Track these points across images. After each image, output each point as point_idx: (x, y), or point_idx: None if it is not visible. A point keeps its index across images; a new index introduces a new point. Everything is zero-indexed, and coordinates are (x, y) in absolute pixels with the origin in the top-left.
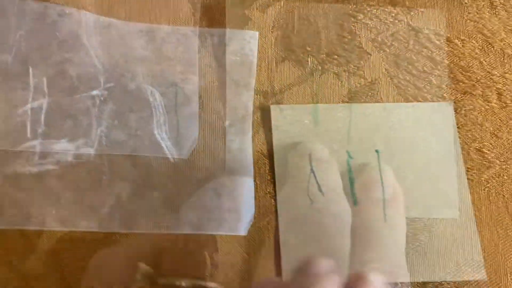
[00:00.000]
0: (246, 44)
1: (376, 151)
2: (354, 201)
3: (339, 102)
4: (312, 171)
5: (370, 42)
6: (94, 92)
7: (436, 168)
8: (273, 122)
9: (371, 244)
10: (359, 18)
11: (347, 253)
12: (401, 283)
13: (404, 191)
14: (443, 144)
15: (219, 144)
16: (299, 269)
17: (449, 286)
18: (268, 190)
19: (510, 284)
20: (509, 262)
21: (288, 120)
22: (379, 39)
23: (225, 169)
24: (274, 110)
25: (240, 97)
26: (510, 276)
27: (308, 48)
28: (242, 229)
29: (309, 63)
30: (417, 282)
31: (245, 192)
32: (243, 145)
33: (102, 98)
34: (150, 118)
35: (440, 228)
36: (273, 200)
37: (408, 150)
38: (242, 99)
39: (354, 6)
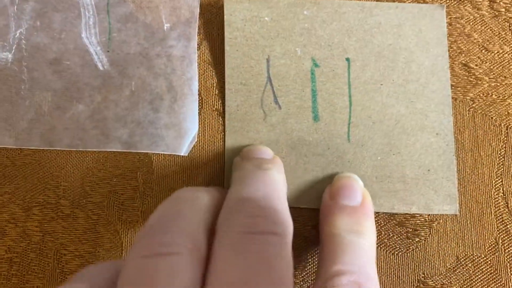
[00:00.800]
0: None
1: (347, 59)
2: (314, 116)
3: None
4: (268, 79)
5: None
6: None
7: (417, 86)
8: (226, 17)
9: (331, 167)
10: None
11: (301, 174)
12: None
13: (376, 108)
14: (430, 58)
15: (157, 50)
16: (242, 155)
17: (421, 219)
18: (215, 106)
19: (492, 220)
20: (492, 194)
21: (244, 15)
22: None
23: (164, 79)
24: (228, 2)
25: None
26: (493, 209)
27: None
28: (183, 149)
29: None
30: (384, 213)
31: (187, 107)
32: (187, 53)
33: None
34: (78, 19)
35: (414, 155)
36: (221, 118)
37: (385, 61)
38: None
39: None
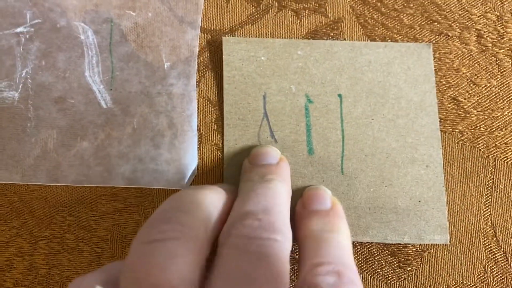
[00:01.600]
0: None
1: (339, 95)
2: (309, 149)
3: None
4: (265, 114)
5: None
6: (19, 29)
7: (407, 121)
8: (224, 57)
9: None
10: None
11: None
12: (358, 242)
13: (368, 142)
14: (419, 94)
15: (158, 88)
16: (249, 159)
17: (413, 249)
18: (214, 141)
19: (481, 249)
20: (480, 224)
21: (241, 55)
22: None
23: (165, 117)
24: (227, 43)
25: (184, 35)
26: (482, 238)
27: None
28: (183, 183)
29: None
30: (377, 243)
31: (187, 142)
32: (187, 90)
33: (27, 36)
34: (81, 59)
35: (406, 186)
36: (219, 153)
37: (375, 97)
38: (186, 38)
39: None
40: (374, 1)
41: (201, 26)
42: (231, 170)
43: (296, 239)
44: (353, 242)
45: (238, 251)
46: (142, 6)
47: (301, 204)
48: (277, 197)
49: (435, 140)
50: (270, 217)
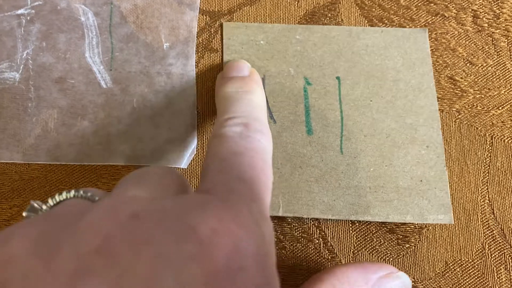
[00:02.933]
0: None
1: (337, 78)
2: (308, 130)
3: (294, 24)
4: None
5: None
6: (20, 11)
7: (406, 102)
8: (224, 41)
9: (325, 178)
10: None
11: (295, 183)
12: (357, 221)
13: (367, 123)
14: (416, 76)
15: (157, 68)
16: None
17: (411, 226)
18: (213, 121)
19: (479, 226)
20: (478, 201)
21: (241, 40)
22: None
23: (164, 96)
24: (227, 27)
25: (183, 16)
26: (480, 216)
27: None
28: (182, 162)
29: None
30: (377, 222)
31: (186, 122)
32: (185, 70)
33: (28, 18)
34: (81, 40)
35: (406, 166)
36: None
37: (373, 80)
38: (185, 19)
39: None
40: None
41: (199, 8)
42: None
43: (215, 101)
44: (352, 220)
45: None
46: None
47: (220, 75)
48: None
49: (434, 121)
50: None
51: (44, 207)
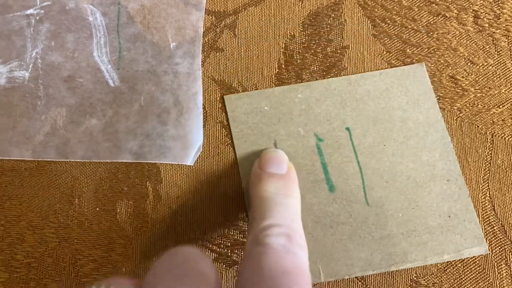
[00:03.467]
0: None
1: (347, 128)
2: (330, 187)
3: (298, 24)
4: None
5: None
6: (29, 11)
7: (418, 140)
8: (229, 114)
9: (357, 233)
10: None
11: (330, 244)
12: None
13: (386, 168)
14: (423, 112)
15: (164, 67)
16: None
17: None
18: (219, 119)
19: (480, 221)
20: (479, 198)
21: (245, 109)
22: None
23: (171, 94)
24: (229, 100)
25: (189, 16)
26: (481, 212)
27: None
28: (189, 159)
29: None
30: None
31: (192, 120)
32: (192, 69)
33: (37, 18)
34: (90, 39)
35: (432, 204)
36: (224, 130)
37: (382, 123)
38: (191, 19)
39: None
40: None
41: (205, 8)
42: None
43: (250, 198)
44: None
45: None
46: None
47: (257, 164)
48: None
49: (450, 153)
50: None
51: None
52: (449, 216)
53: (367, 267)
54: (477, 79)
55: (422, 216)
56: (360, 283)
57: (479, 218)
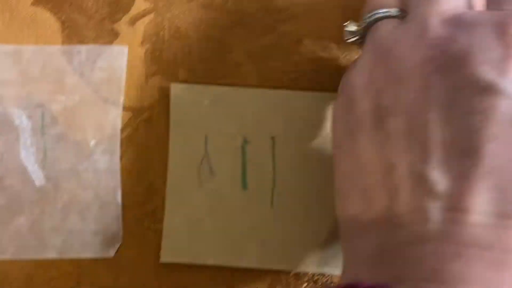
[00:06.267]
0: (114, 59)
1: (272, 138)
2: (243, 185)
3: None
4: (206, 153)
5: (243, 54)
6: None
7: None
8: (171, 101)
9: (256, 229)
10: (234, 30)
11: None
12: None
13: (299, 178)
14: None
15: (85, 165)
16: None
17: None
18: (134, 212)
19: None
20: None
21: (187, 100)
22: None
23: (91, 191)
24: (174, 89)
25: (108, 114)
26: None
27: (179, 61)
28: (108, 251)
29: (179, 77)
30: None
31: (111, 214)
32: (111, 165)
33: None
34: (17, 142)
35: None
36: (144, 221)
37: (307, 139)
38: (110, 117)
39: (228, 18)
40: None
41: (123, 105)
42: (173, 200)
43: None
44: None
45: None
46: (70, 90)
47: None
48: None
49: None
50: None
51: None
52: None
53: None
54: None
55: (318, 232)
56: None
57: None
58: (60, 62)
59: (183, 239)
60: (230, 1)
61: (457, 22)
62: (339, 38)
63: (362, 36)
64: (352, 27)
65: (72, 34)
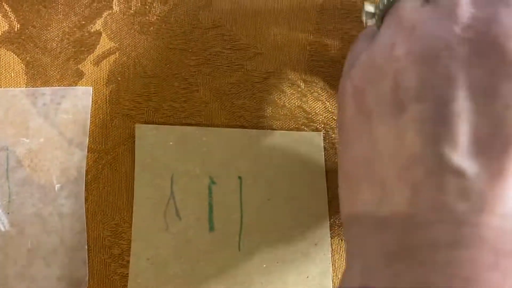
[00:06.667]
0: (79, 100)
1: (239, 177)
2: (210, 227)
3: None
4: (172, 194)
5: (210, 93)
6: None
7: (300, 202)
8: (136, 142)
9: (224, 272)
10: (200, 69)
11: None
12: None
13: (265, 220)
14: (310, 178)
15: (49, 210)
16: None
17: None
18: (103, 257)
19: None
20: None
21: (152, 140)
22: (220, 87)
23: (56, 236)
24: (139, 129)
25: (73, 157)
26: None
27: (144, 101)
28: None
29: (145, 117)
30: None
31: (77, 258)
32: (75, 209)
33: None
34: None
35: (295, 262)
36: (109, 266)
37: (273, 179)
38: (75, 159)
39: (194, 57)
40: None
41: (88, 147)
42: (139, 244)
43: None
44: None
45: None
46: (35, 132)
47: None
48: None
49: (325, 221)
50: None
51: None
52: (307, 277)
53: None
54: None
55: (284, 272)
56: None
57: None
58: (24, 104)
59: (150, 283)
60: (195, 41)
61: (491, 1)
62: (306, 73)
63: (381, 18)
64: (370, 7)
65: (37, 75)
